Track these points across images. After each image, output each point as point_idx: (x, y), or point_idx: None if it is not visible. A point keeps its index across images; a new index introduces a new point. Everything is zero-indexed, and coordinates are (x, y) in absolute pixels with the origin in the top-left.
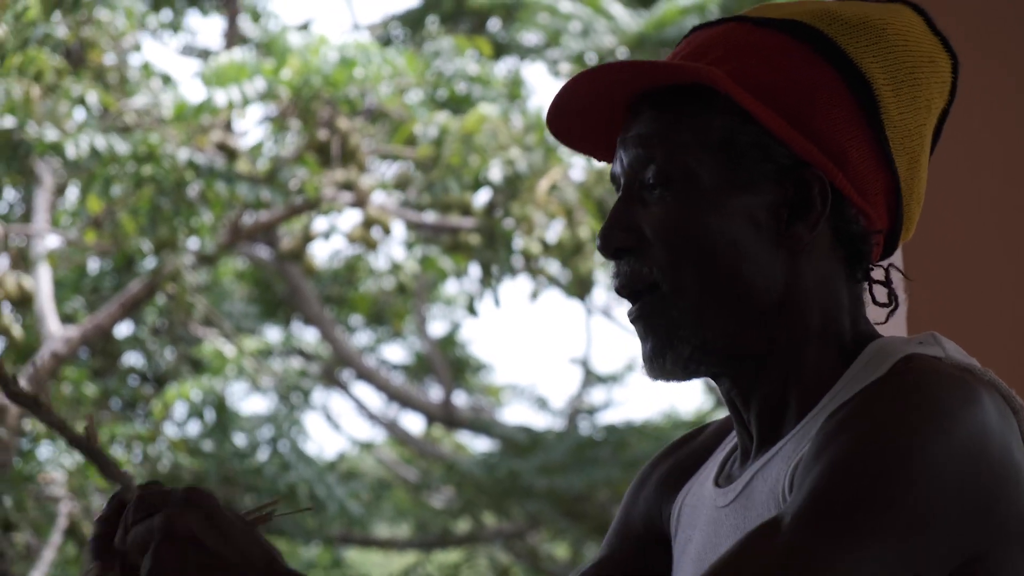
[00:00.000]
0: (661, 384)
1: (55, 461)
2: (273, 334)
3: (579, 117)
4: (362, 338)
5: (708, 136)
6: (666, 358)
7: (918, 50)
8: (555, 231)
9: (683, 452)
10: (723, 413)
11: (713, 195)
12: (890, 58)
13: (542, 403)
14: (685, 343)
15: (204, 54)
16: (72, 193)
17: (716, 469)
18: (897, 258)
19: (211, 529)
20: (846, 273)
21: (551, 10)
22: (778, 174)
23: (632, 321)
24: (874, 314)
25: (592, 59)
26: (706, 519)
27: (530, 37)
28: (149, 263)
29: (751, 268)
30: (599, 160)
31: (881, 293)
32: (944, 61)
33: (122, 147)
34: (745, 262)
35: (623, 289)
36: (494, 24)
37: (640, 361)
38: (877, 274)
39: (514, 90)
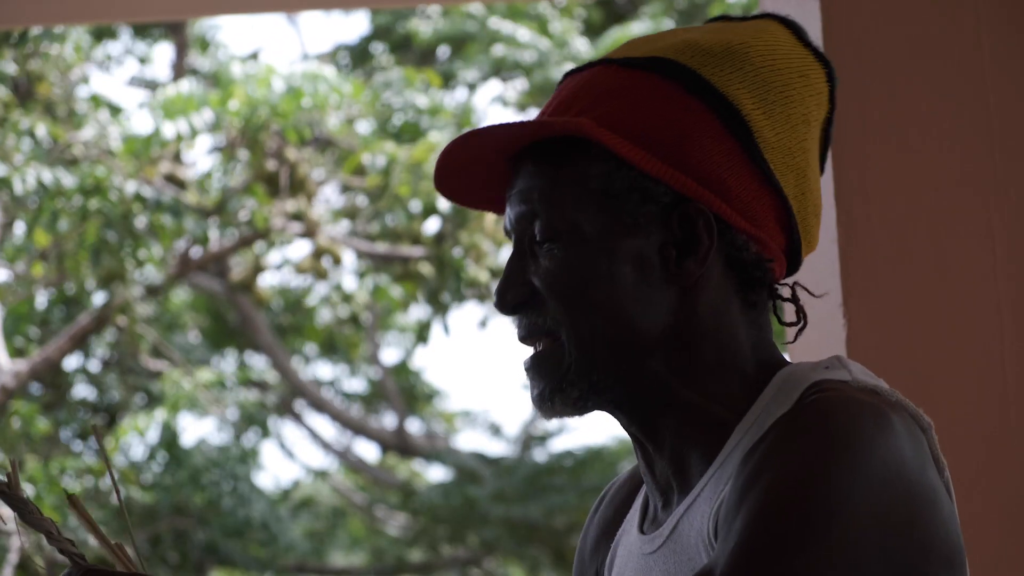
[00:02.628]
0: (557, 421)
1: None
2: (226, 364)
3: (464, 177)
4: (316, 367)
5: (586, 185)
6: (555, 401)
7: (787, 67)
8: (503, 259)
9: (605, 506)
10: None
11: (599, 243)
12: (757, 81)
13: (496, 430)
14: (573, 387)
15: (152, 85)
16: (20, 227)
17: (639, 515)
18: (836, 283)
19: None
20: (741, 300)
21: (508, 41)
22: (661, 213)
23: (526, 371)
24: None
25: (544, 87)
26: (634, 567)
27: (478, 69)
28: (98, 297)
29: (640, 311)
30: (495, 213)
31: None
32: (817, 72)
33: (69, 180)
34: (635, 306)
35: (526, 341)
36: (443, 52)
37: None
38: (784, 292)
39: (464, 119)
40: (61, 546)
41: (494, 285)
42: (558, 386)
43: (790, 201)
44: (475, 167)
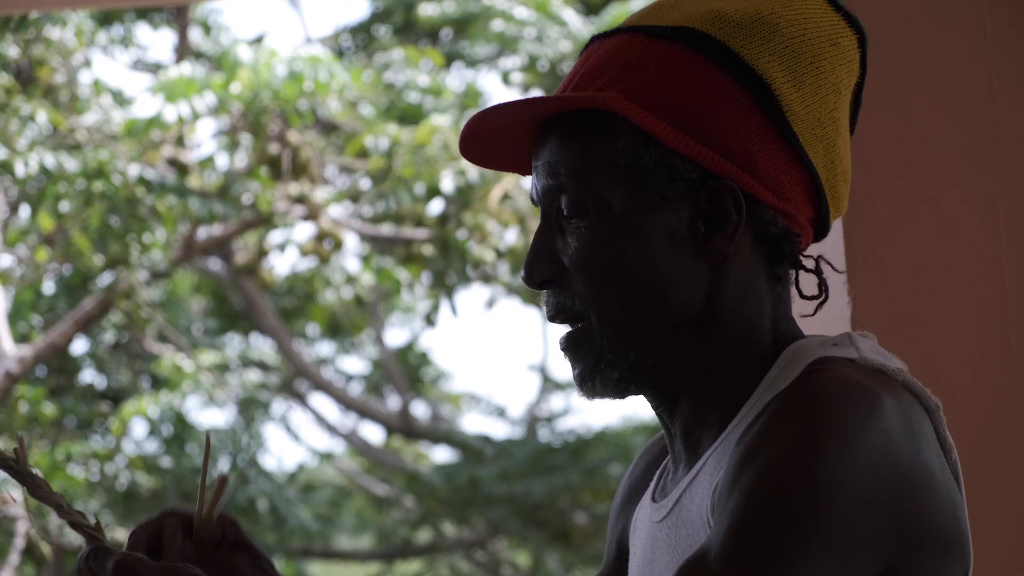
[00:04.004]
0: (599, 402)
1: (12, 481)
2: (232, 346)
3: (489, 144)
4: (320, 350)
5: (613, 161)
6: (595, 382)
7: (817, 36)
8: (509, 239)
9: (638, 466)
10: None
11: (627, 220)
12: (787, 52)
13: (501, 411)
14: (612, 368)
15: (155, 68)
16: (24, 211)
17: (655, 481)
18: (840, 260)
19: None
20: (768, 274)
21: (506, 17)
22: (689, 189)
23: (562, 351)
24: (804, 308)
25: (545, 66)
26: (644, 534)
27: (481, 49)
28: (103, 280)
29: (672, 288)
30: (521, 174)
31: (811, 286)
32: (849, 38)
33: (71, 164)
34: (666, 282)
35: (554, 319)
36: (446, 34)
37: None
38: (808, 263)
39: (468, 100)
40: (71, 518)
41: (500, 266)
42: (596, 367)
43: (819, 172)
44: (500, 136)
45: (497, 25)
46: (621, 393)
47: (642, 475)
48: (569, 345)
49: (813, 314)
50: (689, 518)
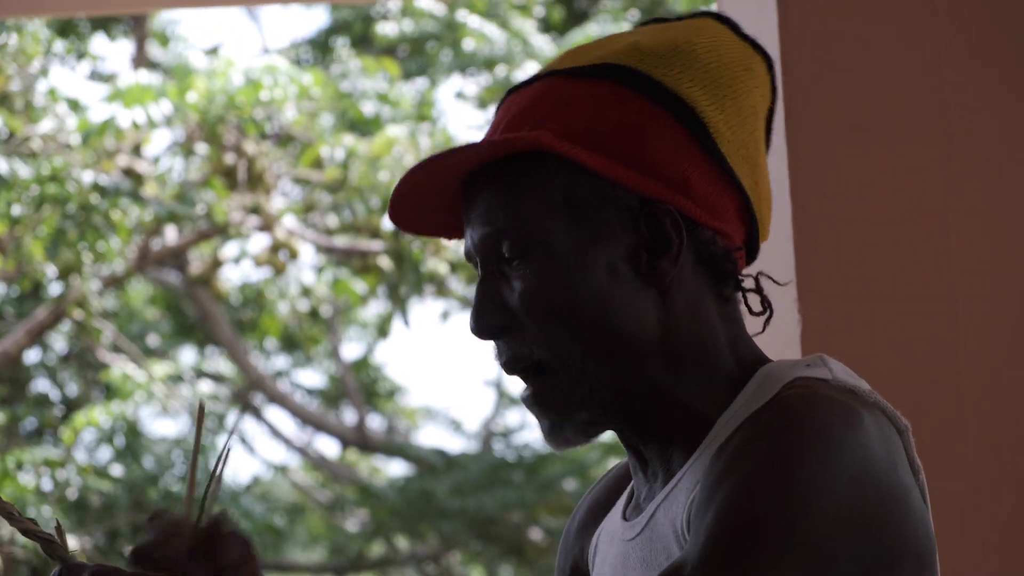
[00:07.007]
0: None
1: None
2: (187, 357)
3: (419, 205)
4: (276, 362)
5: (551, 198)
6: (565, 429)
7: (732, 62)
8: (462, 253)
9: (597, 491)
10: None
11: (570, 257)
12: (707, 78)
13: (456, 426)
14: (581, 411)
15: (111, 79)
16: None
17: (625, 501)
18: (791, 279)
19: None
20: (715, 295)
21: (480, 38)
22: (628, 218)
23: (526, 405)
24: (755, 326)
25: (504, 83)
26: (615, 553)
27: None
28: (55, 288)
29: (623, 318)
30: (447, 239)
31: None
32: (759, 64)
33: (25, 171)
34: (616, 313)
35: (508, 368)
36: (403, 50)
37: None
38: (748, 283)
39: (424, 110)
40: (23, 527)
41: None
42: (566, 415)
43: (748, 192)
44: (430, 194)
45: (468, 44)
46: (592, 435)
47: (604, 499)
48: (535, 399)
49: (762, 331)
50: (663, 532)
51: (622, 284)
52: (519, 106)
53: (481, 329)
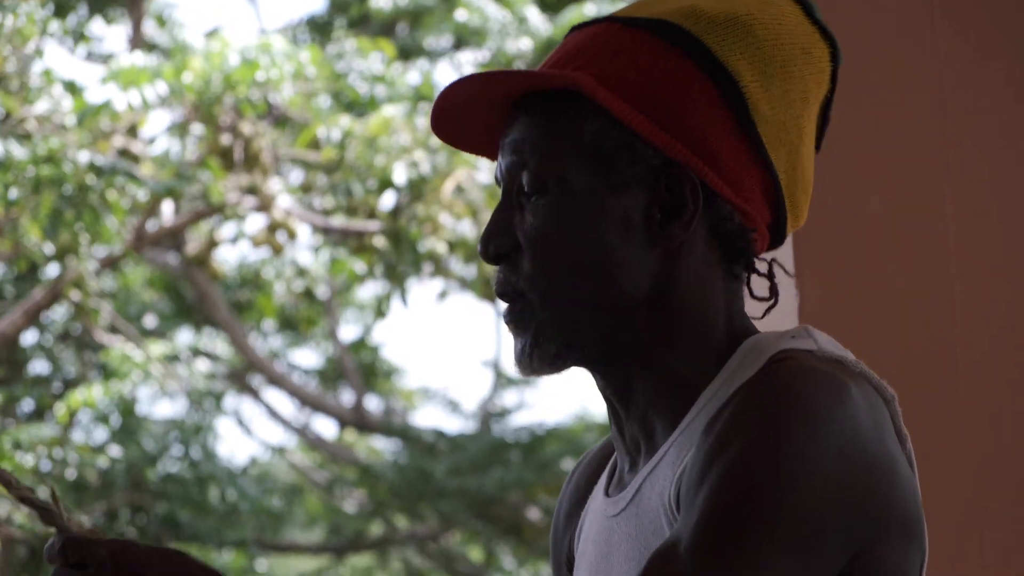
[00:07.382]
0: (533, 378)
1: None
2: (185, 338)
3: (460, 121)
4: (273, 343)
5: (578, 141)
6: (533, 356)
7: (790, 43)
8: (461, 231)
9: (579, 475)
10: None
11: (585, 199)
12: (759, 54)
13: (454, 406)
14: (550, 342)
15: (108, 60)
16: None
17: (606, 479)
18: (788, 255)
19: None
20: (723, 270)
21: (475, 11)
22: (649, 175)
23: (506, 323)
24: (754, 309)
25: (501, 63)
26: (597, 530)
27: (436, 41)
28: (52, 269)
29: (620, 270)
30: (490, 159)
31: (762, 287)
32: (821, 50)
33: (21, 152)
34: (614, 264)
35: (499, 295)
36: (402, 30)
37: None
38: (761, 267)
39: (423, 90)
40: (20, 494)
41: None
42: (535, 342)
43: (779, 176)
44: (471, 113)
45: (461, 15)
46: (557, 368)
47: (584, 483)
48: (511, 320)
49: (762, 317)
50: (650, 506)
51: (630, 238)
52: (575, 45)
53: (486, 252)
